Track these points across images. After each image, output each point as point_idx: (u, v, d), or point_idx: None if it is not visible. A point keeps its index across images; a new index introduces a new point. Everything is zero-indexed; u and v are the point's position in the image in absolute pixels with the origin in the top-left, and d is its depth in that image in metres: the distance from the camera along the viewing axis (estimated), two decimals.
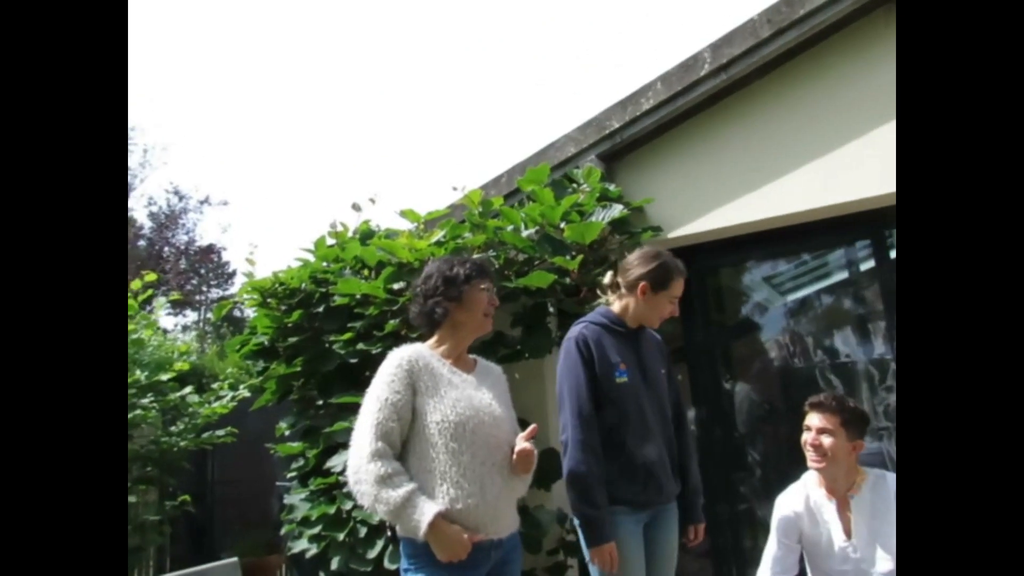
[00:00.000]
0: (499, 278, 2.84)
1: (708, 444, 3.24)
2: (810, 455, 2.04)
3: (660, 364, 2.22)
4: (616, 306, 2.21)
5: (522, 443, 1.78)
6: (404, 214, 3.19)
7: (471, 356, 1.94)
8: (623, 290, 2.18)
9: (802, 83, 2.92)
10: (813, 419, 2.04)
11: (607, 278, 2.26)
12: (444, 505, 1.65)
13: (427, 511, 1.61)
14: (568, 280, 2.80)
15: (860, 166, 2.76)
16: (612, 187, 2.98)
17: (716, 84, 2.96)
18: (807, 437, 2.05)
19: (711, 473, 3.07)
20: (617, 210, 2.81)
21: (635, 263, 2.16)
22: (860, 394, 3.05)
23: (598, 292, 2.39)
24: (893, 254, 2.93)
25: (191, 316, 17.33)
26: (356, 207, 3.43)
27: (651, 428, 2.08)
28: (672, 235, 3.09)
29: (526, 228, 2.95)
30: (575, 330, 2.14)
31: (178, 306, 16.19)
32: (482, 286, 1.85)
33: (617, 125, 3.14)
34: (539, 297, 2.92)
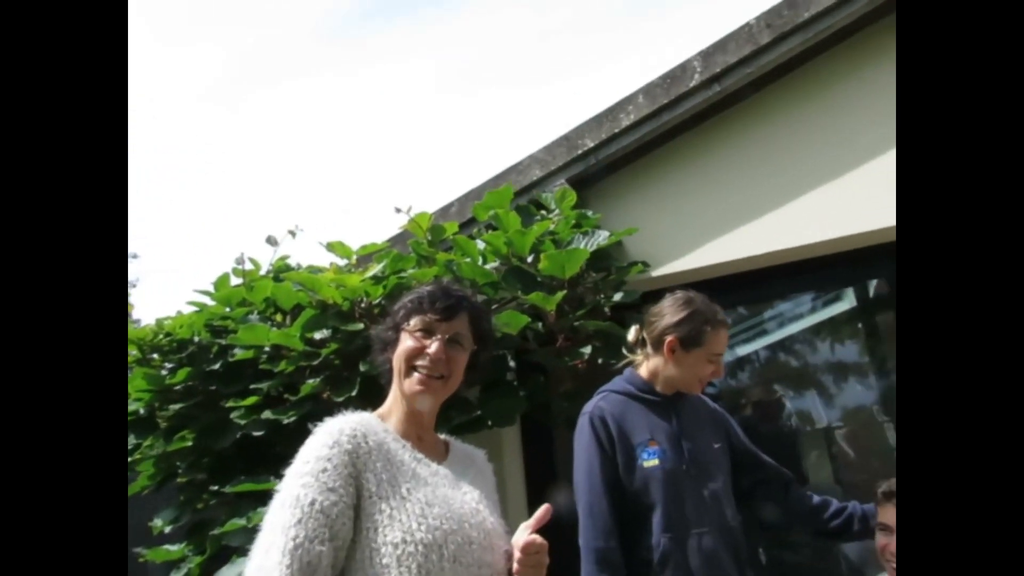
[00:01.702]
0: None
1: None
2: (893, 566, 1.48)
3: (713, 436, 1.70)
4: (644, 368, 1.72)
5: (526, 537, 1.11)
6: (332, 247, 2.56)
7: (441, 436, 1.30)
8: (650, 348, 1.70)
9: (805, 97, 2.54)
10: (893, 516, 1.50)
11: (631, 333, 1.78)
12: None
13: None
14: (540, 326, 2.22)
15: (873, 192, 2.36)
16: (591, 214, 2.46)
17: (707, 97, 2.54)
18: (886, 543, 1.50)
19: None
20: (603, 237, 2.28)
21: (660, 313, 1.69)
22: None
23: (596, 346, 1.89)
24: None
25: None
26: (272, 241, 2.76)
27: (695, 520, 1.56)
28: (658, 273, 2.58)
29: (486, 261, 2.38)
30: (592, 403, 1.68)
31: None
32: (411, 325, 1.19)
33: (592, 144, 2.65)
34: (503, 348, 2.32)
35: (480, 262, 2.36)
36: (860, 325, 3.46)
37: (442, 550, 1.03)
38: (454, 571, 1.04)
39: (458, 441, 1.31)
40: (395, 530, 1.04)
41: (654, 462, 1.59)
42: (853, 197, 2.39)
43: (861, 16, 2.41)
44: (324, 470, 1.05)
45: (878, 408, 2.62)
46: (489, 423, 2.17)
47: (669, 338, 1.64)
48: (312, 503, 1.02)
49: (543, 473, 2.78)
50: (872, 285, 2.74)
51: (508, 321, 2.02)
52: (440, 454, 1.23)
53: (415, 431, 1.19)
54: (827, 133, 2.48)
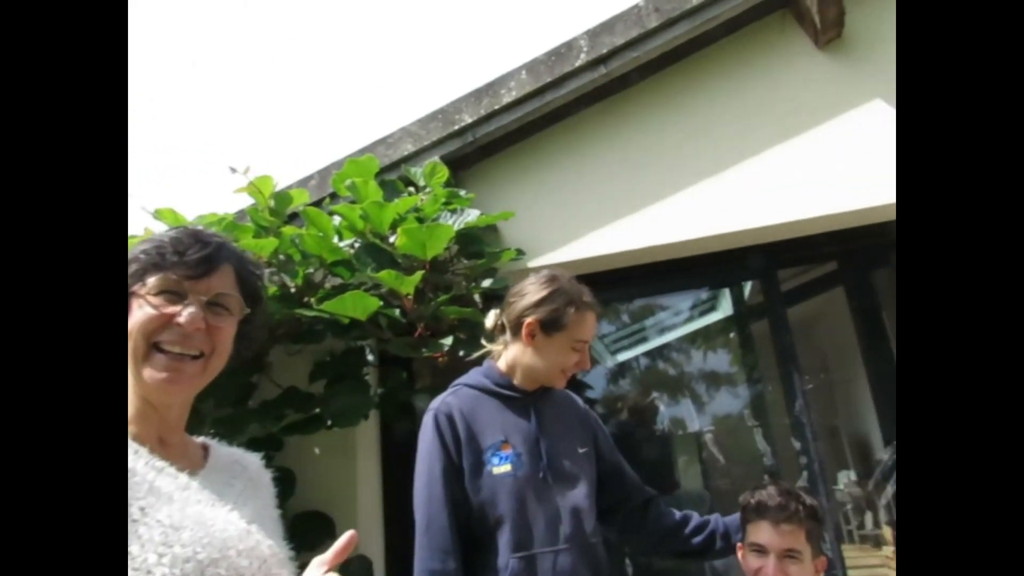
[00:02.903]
0: (294, 304, 1.91)
1: None
2: None
3: (578, 440, 1.49)
4: (503, 360, 1.48)
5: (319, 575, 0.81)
6: (159, 215, 2.17)
7: (198, 439, 0.98)
8: (508, 335, 1.47)
9: (692, 88, 2.45)
10: (768, 535, 1.35)
11: (490, 319, 1.53)
12: None
13: None
14: (398, 312, 1.96)
15: (754, 191, 2.30)
16: (464, 193, 2.23)
17: (593, 79, 2.38)
18: (760, 565, 1.35)
19: None
20: (474, 216, 2.05)
21: (520, 293, 1.46)
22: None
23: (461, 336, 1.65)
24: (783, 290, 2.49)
25: None
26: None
27: (550, 536, 1.34)
28: (535, 263, 2.39)
29: (342, 239, 2.08)
30: (439, 398, 1.46)
31: None
32: (149, 286, 0.84)
33: (469, 120, 2.43)
34: (353, 336, 2.03)
35: (336, 239, 2.07)
36: (733, 333, 3.45)
37: None
38: None
39: (223, 444, 0.98)
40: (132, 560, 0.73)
41: (505, 468, 1.36)
42: (734, 194, 2.31)
43: (748, 9, 2.35)
44: None
45: (748, 413, 2.55)
46: (329, 423, 1.87)
47: (528, 320, 1.42)
48: None
49: (402, 481, 2.51)
50: (747, 287, 2.69)
51: (354, 304, 1.73)
52: (194, 461, 0.90)
53: (154, 432, 0.85)
54: (712, 127, 2.40)
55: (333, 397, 1.92)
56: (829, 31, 2.25)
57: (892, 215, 2.27)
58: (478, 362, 1.64)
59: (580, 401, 1.61)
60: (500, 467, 1.35)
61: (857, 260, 2.64)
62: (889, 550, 3.13)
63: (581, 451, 1.47)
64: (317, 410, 1.91)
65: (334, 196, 2.38)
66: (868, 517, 3.80)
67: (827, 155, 2.26)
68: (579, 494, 1.40)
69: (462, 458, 1.37)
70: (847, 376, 3.73)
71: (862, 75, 2.28)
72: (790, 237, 2.38)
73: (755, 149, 2.35)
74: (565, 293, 1.42)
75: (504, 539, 1.32)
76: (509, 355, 1.48)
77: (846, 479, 4.02)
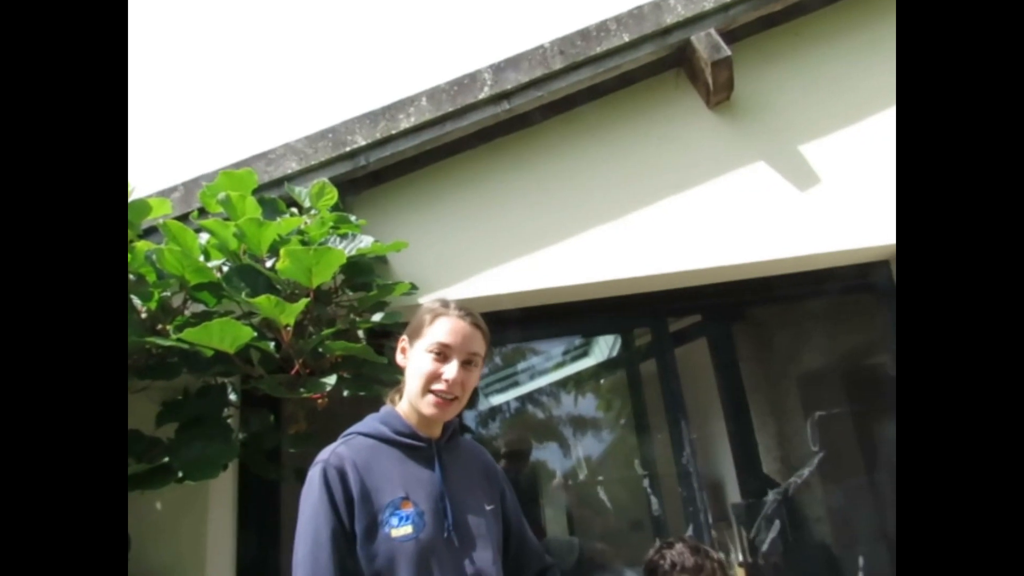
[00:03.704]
0: (144, 332, 1.62)
1: None
2: None
3: (485, 496, 1.33)
4: (404, 405, 1.33)
5: None
6: None
7: None
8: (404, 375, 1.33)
9: (591, 134, 2.46)
10: None
11: (400, 356, 1.39)
12: None
13: None
14: (273, 345, 1.71)
15: (649, 239, 2.34)
16: (354, 219, 2.04)
17: (495, 114, 2.33)
18: None
19: None
20: (368, 242, 1.87)
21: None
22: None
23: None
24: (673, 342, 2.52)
25: None
26: None
27: None
28: (426, 298, 2.23)
29: (209, 258, 1.82)
30: (329, 449, 1.26)
31: None
32: None
33: (363, 143, 2.27)
34: (215, 372, 1.75)
35: (201, 259, 1.80)
36: (606, 379, 3.48)
37: None
38: None
39: None
40: None
41: (405, 530, 1.18)
42: (627, 241, 2.33)
43: (648, 64, 2.43)
44: None
45: (637, 462, 2.54)
46: (180, 475, 1.57)
47: (402, 340, 1.34)
48: None
49: (263, 543, 2.19)
50: (636, 335, 2.72)
51: (223, 334, 1.48)
52: None
53: None
54: (611, 173, 2.42)
55: (186, 443, 1.62)
56: (720, 93, 2.37)
57: (768, 271, 2.39)
58: (360, 405, 1.46)
59: (487, 454, 1.46)
60: (399, 529, 1.17)
61: (722, 313, 2.76)
62: None
63: (488, 508, 1.32)
64: (166, 459, 1.60)
65: (202, 211, 2.09)
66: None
67: (714, 210, 2.35)
68: (486, 558, 1.24)
69: (354, 520, 1.17)
70: (705, 423, 3.90)
71: (748, 137, 2.42)
72: (677, 287, 2.44)
73: (648, 199, 2.39)
74: (428, 308, 1.35)
75: None
76: (408, 399, 1.32)
77: (708, 521, 4.16)
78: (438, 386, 1.26)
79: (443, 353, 1.28)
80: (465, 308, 1.35)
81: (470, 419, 3.14)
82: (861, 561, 2.45)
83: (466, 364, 1.29)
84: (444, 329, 1.29)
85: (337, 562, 1.13)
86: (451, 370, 1.26)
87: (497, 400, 3.64)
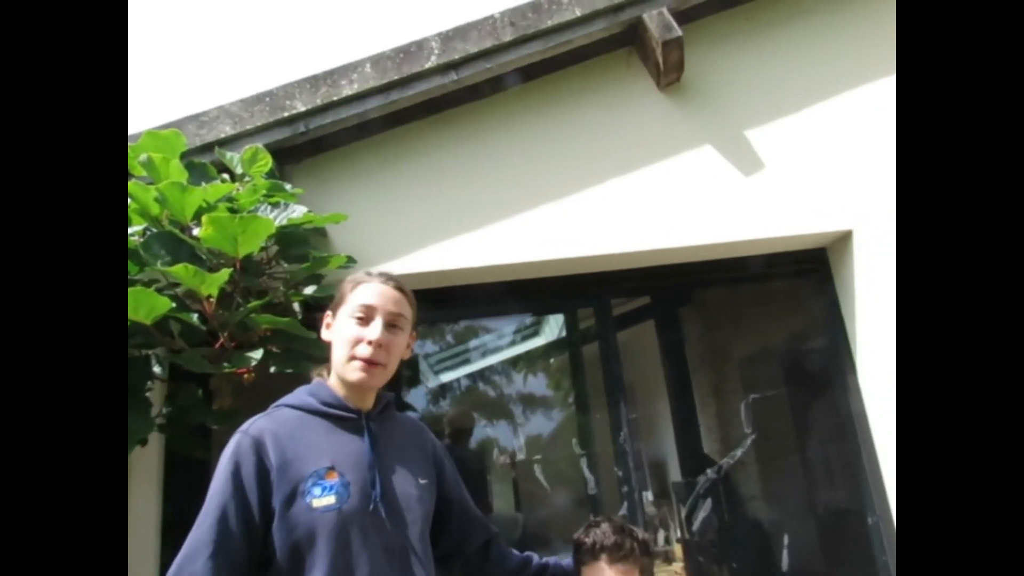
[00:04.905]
0: None
1: None
2: None
3: (419, 470, 1.30)
4: (332, 378, 1.30)
5: None
6: None
7: None
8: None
9: (540, 110, 2.42)
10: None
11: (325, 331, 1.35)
12: None
13: None
14: (196, 317, 1.64)
15: (595, 219, 2.32)
16: (290, 187, 1.96)
17: (443, 85, 2.26)
18: None
19: None
20: (300, 212, 1.80)
21: None
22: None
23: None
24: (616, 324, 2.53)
25: None
26: None
27: None
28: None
29: (129, 224, 1.72)
30: (250, 420, 1.22)
31: None
32: None
33: (303, 109, 2.17)
34: (135, 344, 1.67)
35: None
36: (555, 359, 3.49)
37: None
38: None
39: None
40: None
41: (328, 500, 1.14)
42: (573, 220, 2.31)
43: (599, 40, 2.39)
44: None
45: (575, 441, 2.55)
46: None
47: (327, 314, 1.31)
48: None
49: (190, 525, 2.12)
50: (580, 314, 2.71)
51: (137, 303, 1.40)
52: None
53: None
54: (556, 151, 2.38)
55: None
56: (670, 74, 2.36)
57: (712, 255, 2.41)
58: (297, 382, 1.41)
59: (428, 430, 1.44)
60: (321, 499, 1.13)
61: (670, 295, 2.79)
62: (679, 565, 3.33)
63: (422, 482, 1.29)
64: None
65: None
66: (661, 535, 4.04)
67: (660, 192, 2.35)
68: (414, 532, 1.22)
69: (271, 493, 1.13)
70: (651, 403, 3.96)
71: (697, 120, 2.42)
72: (625, 268, 2.43)
73: (596, 179, 2.37)
74: (352, 278, 1.32)
75: None
76: (334, 367, 1.29)
77: (644, 499, 4.25)
78: (362, 350, 1.23)
79: (365, 316, 1.25)
80: (388, 274, 1.33)
81: (419, 398, 3.11)
82: (786, 539, 2.52)
83: (391, 327, 1.26)
84: (365, 293, 1.27)
85: (245, 537, 1.10)
86: (374, 330, 1.23)
87: (446, 378, 3.62)
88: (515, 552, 1.46)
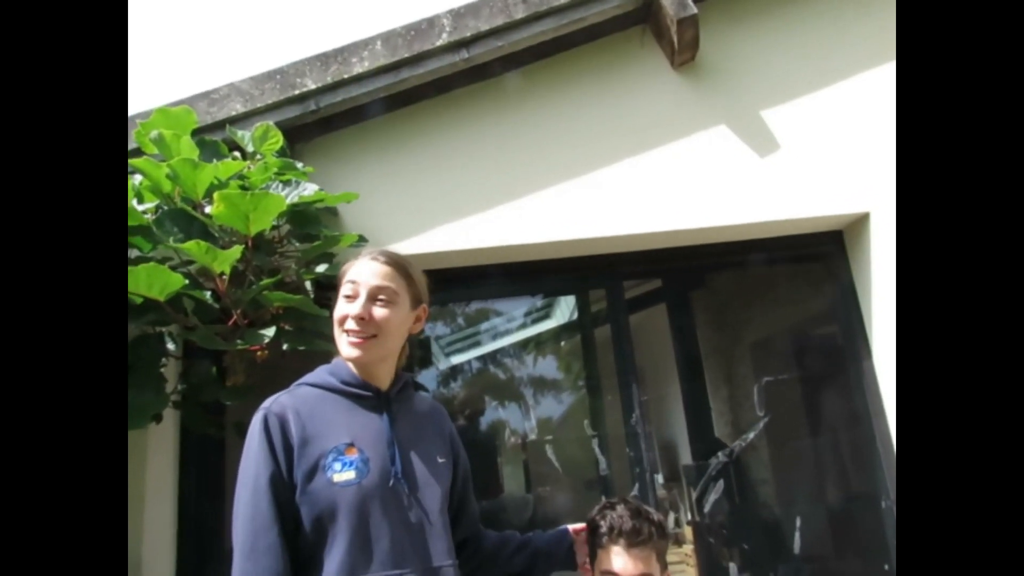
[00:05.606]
0: None
1: None
2: None
3: (438, 449, 1.32)
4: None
5: None
6: None
7: None
8: None
9: (552, 89, 2.39)
10: (622, 562, 1.28)
11: None
12: None
13: None
14: (210, 295, 1.64)
15: (607, 199, 2.30)
16: (301, 165, 1.95)
17: (454, 63, 2.24)
18: None
19: None
20: (311, 190, 1.80)
21: None
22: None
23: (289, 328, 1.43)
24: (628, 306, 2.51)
25: None
26: None
27: (393, 558, 1.16)
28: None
29: (141, 201, 1.72)
30: (273, 397, 1.25)
31: None
32: None
33: (313, 87, 2.16)
34: (149, 321, 1.68)
35: (135, 202, 1.70)
36: (566, 342, 3.48)
37: None
38: None
39: None
40: None
41: (348, 475, 1.16)
42: (584, 202, 2.29)
43: (612, 18, 2.35)
44: None
45: (587, 423, 2.54)
46: None
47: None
48: None
49: (206, 499, 2.15)
50: (592, 295, 2.70)
51: (150, 280, 1.41)
52: None
53: None
54: (570, 131, 2.35)
55: None
56: (684, 52, 2.32)
57: (726, 237, 2.38)
58: (313, 360, 1.42)
59: (446, 414, 1.44)
60: (342, 474, 1.16)
61: (682, 278, 2.76)
62: (688, 548, 3.34)
63: (440, 461, 1.31)
64: None
65: (137, 152, 1.98)
66: (671, 517, 4.05)
67: (673, 173, 2.32)
68: (433, 507, 1.23)
69: (294, 466, 1.16)
70: (662, 386, 3.95)
71: (711, 99, 2.38)
72: (636, 249, 2.41)
73: (609, 159, 2.35)
74: (350, 260, 1.34)
75: (337, 561, 1.11)
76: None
77: (655, 481, 4.27)
78: (348, 325, 1.25)
79: (352, 293, 1.27)
80: (383, 250, 1.34)
81: (431, 379, 3.12)
82: (799, 522, 2.52)
83: (376, 300, 1.26)
84: (352, 271, 1.30)
85: (276, 508, 1.12)
86: (356, 306, 1.24)
87: (457, 360, 3.63)
88: (492, 532, 1.47)
